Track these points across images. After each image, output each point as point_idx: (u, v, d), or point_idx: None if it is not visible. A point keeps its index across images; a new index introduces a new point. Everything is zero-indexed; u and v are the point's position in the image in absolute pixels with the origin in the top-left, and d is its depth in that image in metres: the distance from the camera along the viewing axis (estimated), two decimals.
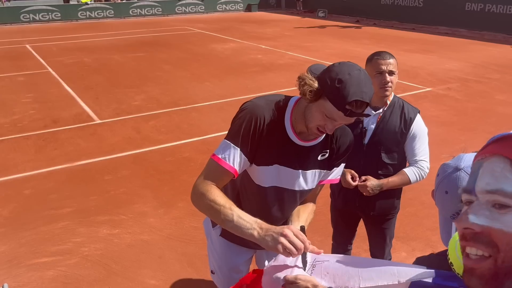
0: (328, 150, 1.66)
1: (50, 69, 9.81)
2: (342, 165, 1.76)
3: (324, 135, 1.62)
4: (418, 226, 3.76)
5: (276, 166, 1.61)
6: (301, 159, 1.63)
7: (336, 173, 1.75)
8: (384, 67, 2.20)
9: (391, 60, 2.22)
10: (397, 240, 3.56)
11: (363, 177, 2.29)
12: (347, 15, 20.24)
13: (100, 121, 6.47)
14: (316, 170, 1.67)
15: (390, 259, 2.75)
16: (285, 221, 1.78)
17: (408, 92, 7.76)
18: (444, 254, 1.01)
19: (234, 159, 1.54)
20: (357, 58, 10.40)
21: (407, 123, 2.28)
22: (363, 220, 2.64)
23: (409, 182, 2.31)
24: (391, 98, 2.32)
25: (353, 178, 2.30)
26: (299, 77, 1.48)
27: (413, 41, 13.64)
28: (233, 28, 16.71)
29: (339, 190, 2.49)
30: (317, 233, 3.44)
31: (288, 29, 16.65)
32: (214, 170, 1.56)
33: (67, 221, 3.87)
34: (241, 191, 1.75)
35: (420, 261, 1.15)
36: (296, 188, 1.68)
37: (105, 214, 3.96)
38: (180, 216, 3.95)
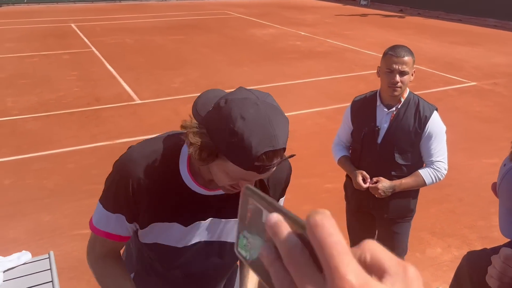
0: None
1: (93, 49, 10.08)
2: (282, 199, 1.41)
3: None
4: (455, 223, 3.69)
5: (176, 224, 1.25)
6: (217, 208, 1.26)
7: None
8: (395, 66, 2.07)
9: (406, 59, 2.08)
10: (433, 236, 3.51)
11: (375, 179, 2.20)
12: (391, 4, 19.69)
13: (140, 101, 6.62)
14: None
15: None
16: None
17: (451, 85, 7.52)
18: (498, 250, 0.99)
19: (112, 225, 1.25)
20: None
21: (422, 121, 2.15)
22: (376, 222, 2.49)
23: (424, 184, 2.19)
24: (405, 95, 2.20)
25: (364, 180, 2.23)
26: (181, 126, 1.10)
27: (459, 32, 13.15)
28: (273, 14, 16.59)
29: (352, 192, 2.40)
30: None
31: (328, 16, 16.39)
32: (93, 238, 1.33)
33: None
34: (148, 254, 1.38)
35: (472, 256, 1.13)
36: (215, 239, 1.31)
37: None
38: None
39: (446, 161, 2.22)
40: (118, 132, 5.43)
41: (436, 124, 2.17)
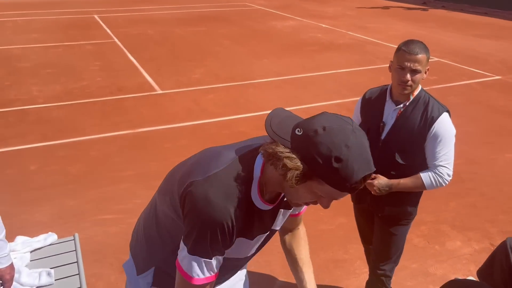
0: None
1: (116, 39, 10.22)
2: None
3: None
4: (475, 217, 3.65)
5: (245, 240, 1.30)
6: (273, 218, 1.36)
7: None
8: (407, 64, 1.97)
9: (419, 56, 1.96)
10: (452, 229, 3.49)
11: (373, 175, 2.04)
12: None
13: (161, 92, 6.70)
14: (286, 211, 1.41)
15: (389, 277, 2.42)
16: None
17: (475, 79, 7.38)
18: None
19: (210, 268, 1.24)
20: None
21: (428, 122, 2.02)
22: (375, 220, 2.40)
23: (423, 187, 2.08)
24: (416, 92, 2.09)
25: None
26: (268, 153, 1.10)
27: (484, 25, 12.84)
28: (294, 6, 16.49)
29: None
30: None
31: (350, 8, 16.20)
32: None
33: (129, 183, 4.11)
34: None
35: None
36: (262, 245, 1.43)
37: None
38: None
39: (451, 167, 2.08)
40: (139, 121, 5.52)
41: (443, 127, 2.03)
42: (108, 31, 11.25)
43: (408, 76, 1.98)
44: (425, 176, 2.07)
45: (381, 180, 2.09)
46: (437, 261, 3.12)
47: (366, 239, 2.60)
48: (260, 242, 1.39)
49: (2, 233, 1.82)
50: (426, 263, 3.09)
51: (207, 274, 1.24)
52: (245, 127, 5.42)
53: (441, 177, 2.06)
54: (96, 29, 11.52)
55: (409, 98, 2.08)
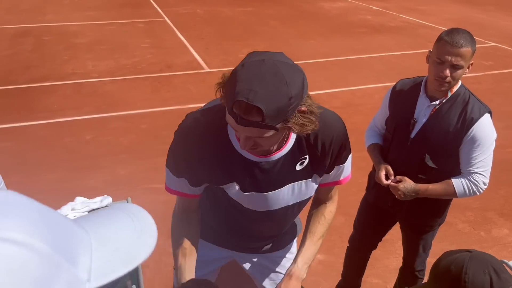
0: (307, 156, 1.30)
1: (166, 18, 10.43)
2: (347, 160, 1.40)
3: (294, 139, 1.27)
4: None
5: (236, 187, 1.32)
6: (267, 178, 1.30)
7: (340, 172, 1.41)
8: (448, 57, 1.72)
9: (463, 50, 1.71)
10: (500, 217, 3.41)
11: (398, 177, 1.93)
12: None
13: (208, 70, 6.83)
14: (296, 182, 1.33)
15: (421, 270, 2.31)
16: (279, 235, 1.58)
17: None
18: None
19: (180, 186, 1.34)
20: (476, 26, 9.52)
21: (466, 123, 1.79)
22: (397, 221, 2.27)
23: (454, 194, 1.88)
24: (455, 88, 1.86)
25: (387, 176, 1.96)
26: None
27: None
28: None
29: (374, 184, 2.12)
30: None
31: None
32: (177, 198, 1.45)
33: None
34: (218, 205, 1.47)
35: None
36: (275, 208, 1.37)
37: None
38: None
39: (487, 175, 1.86)
40: (187, 98, 5.67)
41: (483, 130, 1.80)
42: (159, 10, 11.48)
43: (448, 71, 1.74)
44: (458, 183, 1.86)
45: (407, 184, 1.89)
46: (481, 247, 3.07)
47: (356, 241, 2.43)
48: (272, 202, 1.35)
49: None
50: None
51: (174, 188, 1.36)
52: None
53: (475, 185, 1.85)
54: (148, 7, 11.79)
55: (446, 95, 1.85)
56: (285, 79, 1.01)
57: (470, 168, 1.84)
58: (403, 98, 1.98)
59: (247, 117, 1.02)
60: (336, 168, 1.38)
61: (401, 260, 2.41)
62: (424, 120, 1.89)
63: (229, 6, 12.05)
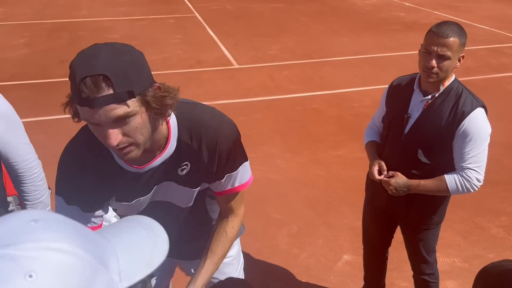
0: (187, 162, 1.25)
1: (196, 14, 10.51)
2: (242, 167, 1.34)
3: (174, 145, 1.22)
4: None
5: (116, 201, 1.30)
6: (146, 184, 1.26)
7: (234, 180, 1.34)
8: (434, 48, 1.72)
9: (450, 40, 1.70)
10: None
11: (391, 173, 1.93)
12: None
13: (238, 66, 6.84)
14: (180, 185, 1.29)
15: (431, 274, 2.21)
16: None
17: None
18: None
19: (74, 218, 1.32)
20: None
21: (458, 117, 1.77)
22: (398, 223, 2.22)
23: (446, 190, 1.84)
24: (447, 83, 1.83)
25: (380, 171, 1.97)
26: None
27: None
28: None
29: (371, 181, 2.12)
30: None
31: None
32: None
33: None
34: None
35: None
36: (162, 203, 1.36)
37: None
38: (306, 163, 4.11)
39: (481, 171, 1.82)
40: (217, 94, 5.71)
41: (475, 124, 1.77)
42: (190, 5, 11.58)
43: (434, 62, 1.73)
44: (450, 179, 1.83)
45: (398, 179, 1.88)
46: None
47: (367, 241, 2.39)
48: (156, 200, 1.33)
49: (49, 205, 1.83)
50: (503, 254, 2.96)
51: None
52: (318, 105, 5.41)
53: (468, 181, 1.81)
54: (179, 3, 11.90)
55: (439, 89, 1.83)
56: (123, 50, 1.00)
57: (463, 164, 1.81)
58: (398, 94, 1.99)
59: (97, 94, 0.95)
60: (227, 176, 1.31)
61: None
62: (417, 115, 1.88)
63: (259, 2, 12.04)
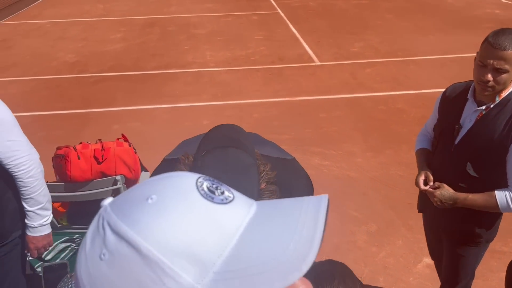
0: None
1: (279, 11, 10.64)
2: None
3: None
4: None
5: None
6: None
7: None
8: (490, 61, 1.60)
9: (509, 52, 1.57)
10: None
11: (437, 184, 1.84)
12: None
13: (319, 63, 6.87)
14: None
15: None
16: None
17: None
18: None
19: None
20: None
21: None
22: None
23: (496, 207, 1.73)
24: (505, 94, 1.70)
25: (426, 181, 1.89)
26: None
27: None
28: None
29: (420, 191, 2.02)
30: None
31: None
32: None
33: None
34: None
35: None
36: None
37: (318, 146, 4.37)
38: (387, 163, 4.07)
39: None
40: (298, 90, 5.79)
41: None
42: (273, 2, 11.75)
43: (489, 75, 1.62)
44: (501, 196, 1.71)
45: (444, 191, 1.80)
46: None
47: (432, 254, 2.31)
48: None
49: (42, 203, 1.80)
50: None
51: None
52: (402, 104, 5.29)
53: None
54: (262, 0, 12.12)
55: (494, 100, 1.71)
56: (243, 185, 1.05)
57: None
58: (452, 102, 1.89)
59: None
60: None
61: None
62: (469, 126, 1.78)
63: None
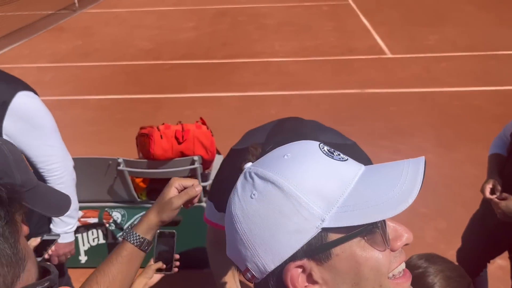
0: None
1: (350, 1, 10.42)
2: None
3: None
4: None
5: None
6: None
7: None
8: None
9: None
10: None
11: (504, 194, 1.73)
12: None
13: (391, 56, 6.68)
14: None
15: None
16: None
17: None
18: None
19: (211, 213, 1.45)
20: None
21: None
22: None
23: None
24: None
25: (493, 190, 1.80)
26: None
27: None
28: None
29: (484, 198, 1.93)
30: None
31: None
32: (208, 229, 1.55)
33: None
34: None
35: None
36: None
37: (387, 140, 4.28)
38: (461, 160, 3.91)
39: None
40: (367, 83, 5.68)
41: None
42: None
43: None
44: None
45: (510, 203, 1.70)
46: None
47: (461, 258, 2.24)
48: None
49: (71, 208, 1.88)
50: None
51: (207, 215, 1.46)
52: (480, 101, 5.02)
53: None
54: None
55: None
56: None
57: None
58: None
59: None
60: None
61: None
62: None
63: None
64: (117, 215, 2.56)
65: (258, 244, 0.59)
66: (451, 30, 7.71)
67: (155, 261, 1.17)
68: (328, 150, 0.63)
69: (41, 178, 1.68)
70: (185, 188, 1.03)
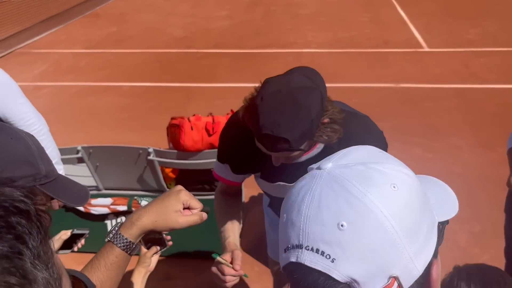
0: None
1: None
2: None
3: (317, 148, 1.31)
4: None
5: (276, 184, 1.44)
6: (295, 175, 1.23)
7: None
8: None
9: None
10: None
11: None
12: None
13: (428, 49, 6.47)
14: None
15: None
16: None
17: None
18: None
19: (223, 172, 1.47)
20: None
21: None
22: None
23: None
24: None
25: None
26: None
27: None
28: None
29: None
30: None
31: None
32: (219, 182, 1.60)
33: (386, 133, 4.26)
34: None
35: None
36: None
37: (421, 137, 4.16)
38: (499, 161, 3.73)
39: None
40: (402, 77, 5.53)
41: None
42: None
43: None
44: None
45: None
46: None
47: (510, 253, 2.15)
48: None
49: (55, 158, 1.87)
50: None
51: (218, 173, 1.49)
52: None
53: None
54: None
55: None
56: (303, 104, 1.09)
57: None
58: None
59: (275, 145, 1.12)
60: None
61: None
62: None
63: None
64: (145, 204, 2.59)
65: (412, 242, 0.56)
66: (492, 24, 7.39)
67: (148, 249, 1.15)
68: None
69: None
70: (189, 207, 0.97)
